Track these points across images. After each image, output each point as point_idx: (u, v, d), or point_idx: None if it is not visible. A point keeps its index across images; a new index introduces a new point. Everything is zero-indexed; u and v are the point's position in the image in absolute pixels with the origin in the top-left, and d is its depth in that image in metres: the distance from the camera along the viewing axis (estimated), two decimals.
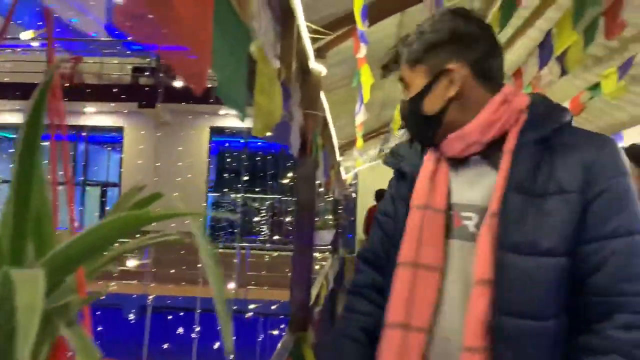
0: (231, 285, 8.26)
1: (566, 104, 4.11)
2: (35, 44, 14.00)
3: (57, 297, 0.54)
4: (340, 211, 7.48)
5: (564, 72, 3.41)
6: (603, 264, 0.93)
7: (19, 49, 13.23)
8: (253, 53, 1.34)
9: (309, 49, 2.39)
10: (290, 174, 12.63)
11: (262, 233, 12.93)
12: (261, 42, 1.37)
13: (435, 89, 1.06)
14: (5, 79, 10.65)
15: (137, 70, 11.16)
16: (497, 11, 2.75)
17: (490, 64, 1.06)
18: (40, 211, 0.58)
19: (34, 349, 0.60)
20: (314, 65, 2.60)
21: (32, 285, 0.38)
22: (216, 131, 11.24)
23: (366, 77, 3.07)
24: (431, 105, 1.07)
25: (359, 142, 4.85)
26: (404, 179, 1.19)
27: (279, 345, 2.60)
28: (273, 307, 8.14)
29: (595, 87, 3.94)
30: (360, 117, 3.75)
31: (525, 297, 0.95)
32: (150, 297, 7.98)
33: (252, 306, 8.20)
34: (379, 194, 6.75)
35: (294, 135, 2.12)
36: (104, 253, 0.57)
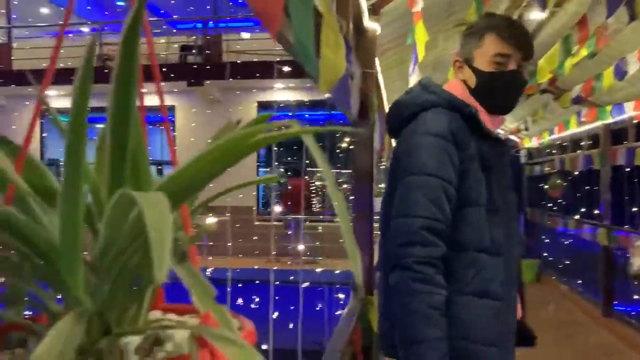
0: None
1: (634, 56, 3.86)
2: (85, 29, 14.36)
3: None
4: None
5: (632, 18, 3.18)
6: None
7: (70, 35, 13.59)
8: (318, 5, 1.30)
9: (364, 5, 2.32)
10: (341, 145, 12.53)
11: (313, 205, 12.99)
12: None
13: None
14: (60, 65, 10.98)
15: (185, 49, 11.26)
16: None
17: None
18: (136, 154, 0.57)
19: (143, 288, 0.59)
20: (369, 23, 2.52)
21: (158, 204, 0.36)
22: (263, 106, 11.26)
23: (421, 33, 2.96)
24: None
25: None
26: (467, 147, 1.42)
27: (346, 309, 2.60)
28: (337, 272, 8.16)
29: None
30: (414, 78, 3.65)
31: None
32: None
33: (318, 270, 8.26)
34: None
35: (354, 95, 2.07)
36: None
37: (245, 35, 12.34)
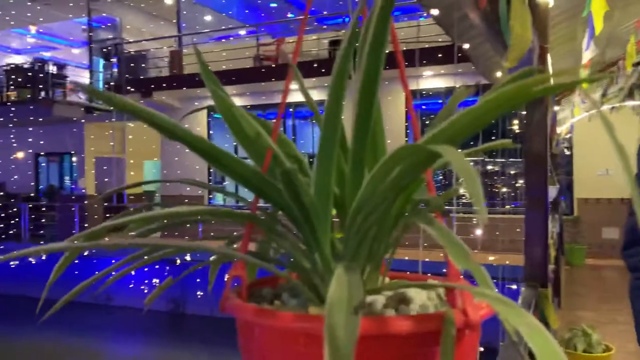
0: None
1: None
2: (242, 32, 15.41)
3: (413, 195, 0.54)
4: (561, 167, 6.88)
5: None
6: None
7: (231, 39, 14.70)
8: None
9: None
10: (512, 129, 11.90)
11: (463, 197, 12.58)
12: None
13: None
14: (223, 67, 11.91)
15: (334, 44, 11.55)
16: None
17: None
18: (375, 129, 0.59)
19: (385, 246, 0.62)
20: None
21: (456, 153, 0.36)
22: (412, 94, 11.13)
23: (599, 3, 2.70)
24: None
25: (584, 83, 4.34)
26: None
27: (519, 301, 2.47)
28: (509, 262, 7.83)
29: None
30: (589, 53, 3.34)
31: None
32: None
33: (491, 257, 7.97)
34: None
35: None
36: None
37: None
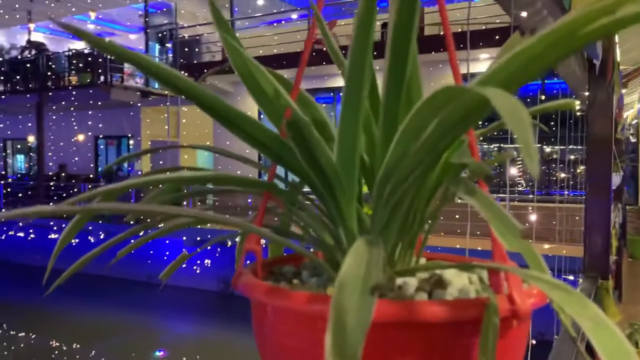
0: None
1: None
2: (294, 16, 15.36)
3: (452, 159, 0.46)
4: (626, 154, 6.49)
5: None
6: None
7: (283, 22, 14.69)
8: None
9: None
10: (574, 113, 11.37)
11: (519, 185, 12.15)
12: None
13: None
14: (274, 51, 11.92)
15: (385, 26, 11.31)
16: None
17: None
18: (411, 83, 0.51)
19: (421, 218, 0.54)
20: None
21: (505, 95, 0.29)
22: (466, 78, 10.79)
23: None
24: None
25: None
26: None
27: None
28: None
29: None
30: None
31: None
32: None
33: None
34: None
35: (598, 48, 1.79)
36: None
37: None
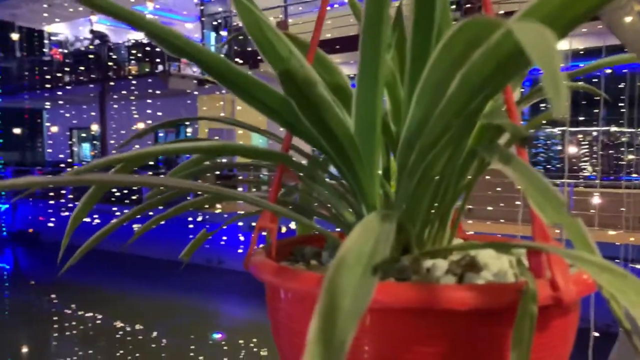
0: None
1: None
2: None
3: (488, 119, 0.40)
4: None
5: None
6: None
7: (336, 6, 14.53)
8: None
9: None
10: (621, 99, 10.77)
11: (584, 170, 11.57)
12: None
13: None
14: (327, 36, 11.81)
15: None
16: None
17: None
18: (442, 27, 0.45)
19: (453, 190, 0.49)
20: None
21: (534, 27, 0.23)
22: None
23: None
24: None
25: None
26: None
27: None
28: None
29: None
30: None
31: None
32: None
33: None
34: None
35: None
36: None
37: None
